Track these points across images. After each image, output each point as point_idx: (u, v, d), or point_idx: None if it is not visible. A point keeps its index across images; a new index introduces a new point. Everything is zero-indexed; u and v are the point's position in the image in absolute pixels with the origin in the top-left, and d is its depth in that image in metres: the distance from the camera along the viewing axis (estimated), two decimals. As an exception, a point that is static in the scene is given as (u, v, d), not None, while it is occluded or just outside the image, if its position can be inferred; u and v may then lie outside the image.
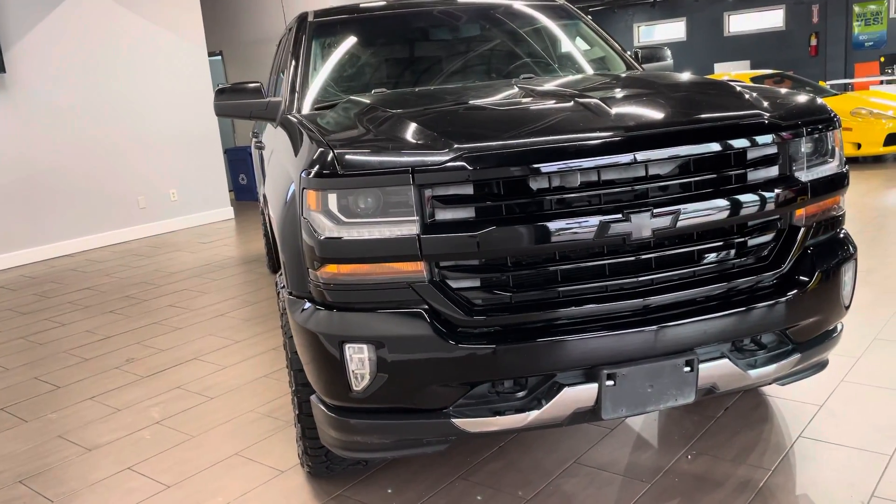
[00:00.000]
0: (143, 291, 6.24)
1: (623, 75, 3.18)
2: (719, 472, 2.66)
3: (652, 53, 3.92)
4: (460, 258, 2.14)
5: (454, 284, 2.18)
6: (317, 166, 2.19)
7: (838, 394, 3.18)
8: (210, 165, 9.73)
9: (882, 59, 14.63)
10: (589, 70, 3.68)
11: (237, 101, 3.38)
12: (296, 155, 2.53)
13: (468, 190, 2.11)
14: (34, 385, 4.23)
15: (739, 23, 18.88)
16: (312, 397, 2.45)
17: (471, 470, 2.83)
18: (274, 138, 3.36)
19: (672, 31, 20.20)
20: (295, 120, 2.87)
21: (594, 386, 2.17)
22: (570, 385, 2.18)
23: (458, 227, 2.10)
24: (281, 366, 4.11)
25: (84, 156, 8.43)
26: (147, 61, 8.97)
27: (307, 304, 2.32)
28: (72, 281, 6.93)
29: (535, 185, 2.12)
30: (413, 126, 2.33)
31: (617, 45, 3.82)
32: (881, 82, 14.15)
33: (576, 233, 2.11)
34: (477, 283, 2.18)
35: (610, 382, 2.16)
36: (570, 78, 3.26)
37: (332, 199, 2.16)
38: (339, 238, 2.15)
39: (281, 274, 2.83)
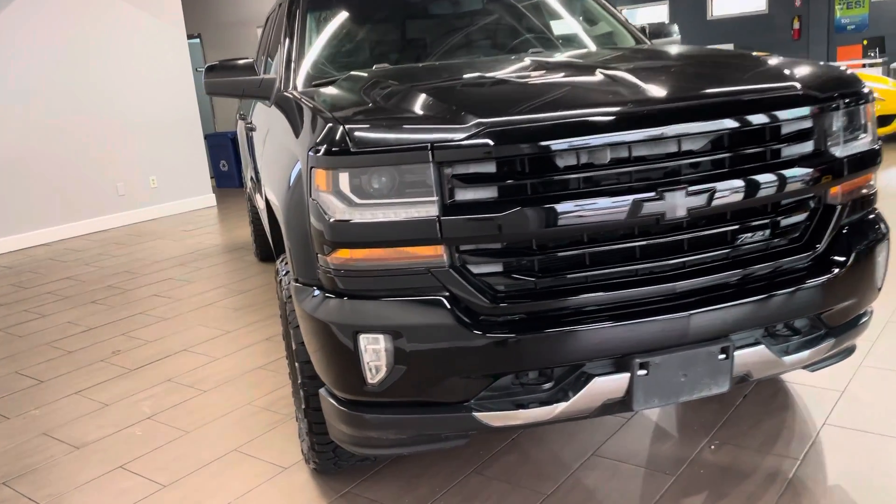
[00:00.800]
0: (125, 281, 6.02)
1: (643, 48, 3.04)
2: (745, 463, 2.55)
3: (659, 29, 3.78)
4: (483, 241, 2.00)
5: (475, 269, 2.03)
6: (326, 143, 2.03)
7: (858, 379, 3.08)
8: (191, 151, 9.47)
9: (865, 42, 14.63)
10: (599, 45, 3.53)
11: (229, 79, 3.19)
12: (298, 133, 2.37)
13: (492, 168, 1.96)
14: (15, 380, 4.03)
15: (723, 6, 18.81)
16: (321, 391, 2.30)
17: (485, 464, 2.69)
18: (268, 118, 3.19)
19: (655, 14, 20.09)
20: (295, 96, 2.71)
21: (625, 376, 2.04)
22: (599, 375, 2.05)
23: (482, 208, 1.95)
24: (277, 356, 3.95)
25: (60, 141, 8.15)
26: (125, 43, 8.68)
27: (316, 292, 2.17)
28: (50, 270, 6.70)
29: (565, 161, 1.98)
30: (429, 99, 2.17)
31: (624, 20, 3.68)
32: (863, 65, 14.16)
33: (607, 213, 1.97)
34: (500, 268, 2.04)
35: (642, 372, 2.04)
36: (586, 51, 3.11)
37: (344, 178, 2.00)
38: (352, 220, 2.00)
39: (283, 260, 2.67)
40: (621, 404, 2.10)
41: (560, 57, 2.74)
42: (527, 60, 2.73)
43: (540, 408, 2.06)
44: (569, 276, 2.04)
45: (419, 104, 2.17)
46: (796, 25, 17.50)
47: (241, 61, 3.24)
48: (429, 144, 1.94)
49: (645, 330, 2.03)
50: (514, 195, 1.96)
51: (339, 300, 2.10)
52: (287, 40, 3.31)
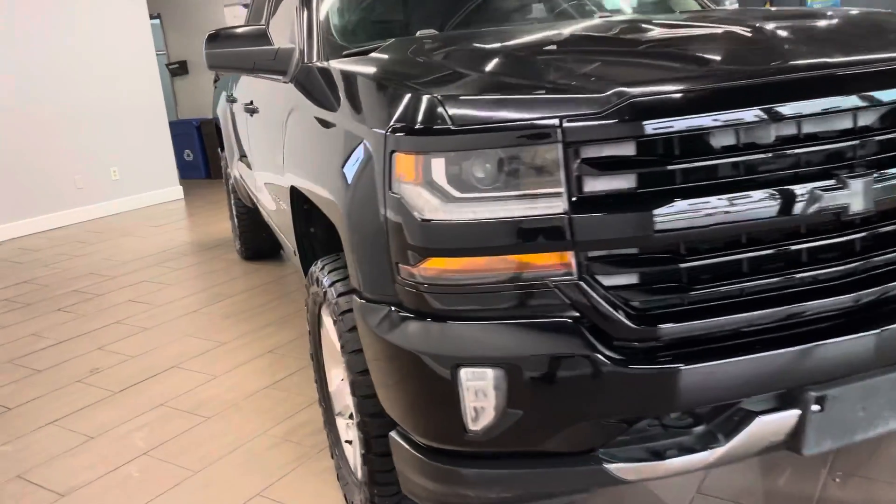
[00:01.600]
0: (93, 285, 5.41)
1: (738, 9, 2.62)
2: (885, 500, 2.16)
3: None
4: (624, 245, 1.54)
5: (607, 282, 1.57)
6: (411, 120, 1.56)
7: (969, 390, 2.71)
8: (155, 140, 8.79)
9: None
10: (662, 10, 3.10)
11: (237, 50, 2.67)
12: (351, 110, 1.88)
13: (637, 150, 1.51)
14: (-24, 406, 3.45)
15: (692, -9, 18.61)
16: (393, 434, 1.82)
17: (571, 508, 2.25)
18: (287, 96, 2.68)
19: None
20: (332, 68, 2.21)
21: (794, 413, 1.61)
22: (761, 413, 1.62)
23: (625, 202, 1.50)
24: (284, 373, 3.43)
25: (10, 130, 7.41)
26: (81, 23, 7.95)
27: (393, 312, 1.69)
28: (5, 274, 6.02)
29: (730, 141, 1.53)
30: (535, 63, 1.71)
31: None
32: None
33: (779, 206, 1.54)
34: (637, 280, 1.58)
35: (816, 408, 1.61)
36: (675, 14, 2.68)
37: (439, 165, 1.53)
38: (450, 220, 1.53)
39: (327, 268, 2.18)
40: (784, 447, 1.68)
41: (659, 19, 2.29)
42: (599, 21, 2.29)
43: (688, 456, 1.62)
44: (725, 288, 1.60)
45: (523, 70, 1.71)
46: (767, 11, 17.49)
47: (246, 29, 2.73)
48: (558, 120, 1.47)
49: (822, 355, 1.60)
50: (666, 184, 1.51)
51: (429, 324, 1.62)
52: (305, 6, 2.79)
